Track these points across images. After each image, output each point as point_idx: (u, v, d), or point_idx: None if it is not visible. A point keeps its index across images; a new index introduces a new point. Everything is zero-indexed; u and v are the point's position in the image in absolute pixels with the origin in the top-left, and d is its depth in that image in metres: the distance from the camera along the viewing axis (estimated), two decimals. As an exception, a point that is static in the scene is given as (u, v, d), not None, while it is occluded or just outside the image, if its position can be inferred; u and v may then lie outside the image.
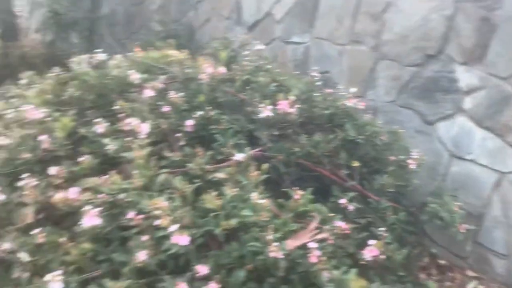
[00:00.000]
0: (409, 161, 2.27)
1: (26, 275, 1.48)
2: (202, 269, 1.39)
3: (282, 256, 1.41)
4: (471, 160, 2.75)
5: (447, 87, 2.87)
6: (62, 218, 1.70)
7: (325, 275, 1.43)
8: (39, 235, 1.55)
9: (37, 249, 1.53)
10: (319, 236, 1.51)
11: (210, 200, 1.49)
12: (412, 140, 2.99)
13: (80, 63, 2.44)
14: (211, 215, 1.48)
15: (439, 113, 2.91)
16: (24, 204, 1.75)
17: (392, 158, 2.30)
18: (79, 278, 1.44)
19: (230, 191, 1.53)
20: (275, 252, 1.41)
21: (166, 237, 1.43)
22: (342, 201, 1.91)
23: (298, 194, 1.66)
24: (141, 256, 1.43)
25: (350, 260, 1.61)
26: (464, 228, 2.13)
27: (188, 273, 1.39)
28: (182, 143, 1.92)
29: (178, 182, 1.61)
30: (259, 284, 1.43)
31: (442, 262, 2.79)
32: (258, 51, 2.47)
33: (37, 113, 2.04)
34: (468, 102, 2.77)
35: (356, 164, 2.13)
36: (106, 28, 7.00)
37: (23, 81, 2.57)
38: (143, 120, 1.89)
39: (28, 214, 1.70)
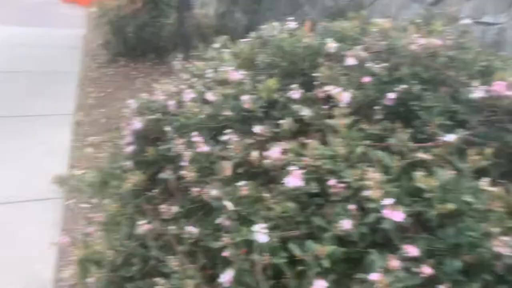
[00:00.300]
0: None
1: (230, 223, 1.56)
2: (412, 250, 1.30)
3: (509, 253, 1.25)
4: None
5: None
6: (257, 175, 1.75)
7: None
8: (243, 187, 1.61)
9: (240, 201, 1.60)
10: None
11: (423, 179, 1.38)
12: None
13: (272, 30, 2.49)
14: (423, 196, 1.37)
15: None
16: (224, 158, 1.85)
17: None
18: (280, 234, 1.46)
19: (445, 173, 1.40)
20: (500, 246, 1.25)
21: (375, 209, 1.36)
22: None
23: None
24: (346, 224, 1.39)
25: None
26: None
27: (397, 251, 1.31)
28: (379, 116, 1.83)
29: (384, 156, 1.53)
30: (469, 278, 1.29)
31: None
32: (463, 27, 2.23)
33: (237, 74, 2.14)
34: None
35: None
36: (270, 2, 7.20)
37: (216, 45, 2.73)
38: (343, 89, 1.84)
39: (228, 168, 1.78)
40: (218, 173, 1.79)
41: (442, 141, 1.63)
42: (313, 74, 1.96)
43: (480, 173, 1.52)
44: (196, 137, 1.90)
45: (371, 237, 1.45)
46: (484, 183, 1.38)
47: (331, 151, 1.59)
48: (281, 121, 1.82)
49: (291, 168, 1.54)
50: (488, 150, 1.48)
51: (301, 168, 1.56)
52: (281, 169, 1.63)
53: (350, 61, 1.88)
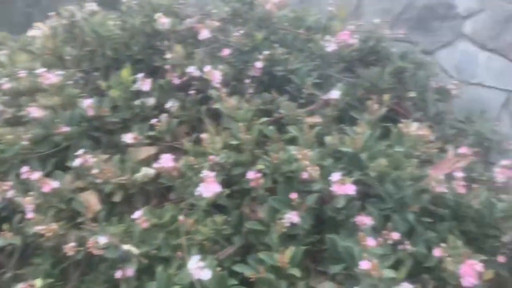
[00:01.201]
0: (450, 86, 2.22)
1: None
2: (367, 220, 1.18)
3: (447, 190, 1.26)
4: (477, 84, 2.80)
5: (445, 14, 2.87)
6: (147, 195, 1.36)
7: (474, 203, 1.32)
8: (138, 219, 1.20)
9: (145, 235, 1.19)
10: (459, 164, 1.38)
11: (348, 142, 1.27)
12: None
13: (73, 15, 1.95)
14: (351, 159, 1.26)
15: (438, 41, 2.91)
16: (84, 189, 1.37)
17: (434, 85, 2.23)
18: (216, 258, 1.15)
19: (362, 128, 1.32)
20: (438, 187, 1.25)
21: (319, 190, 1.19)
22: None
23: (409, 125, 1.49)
24: (293, 217, 1.17)
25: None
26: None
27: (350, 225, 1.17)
28: (251, 90, 1.63)
29: (295, 129, 1.36)
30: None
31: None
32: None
33: (53, 76, 1.58)
34: (468, 26, 2.79)
35: (412, 94, 2.02)
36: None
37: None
38: (200, 67, 1.56)
39: (94, 203, 1.33)
40: (84, 213, 1.30)
41: (327, 100, 1.55)
42: (164, 57, 1.60)
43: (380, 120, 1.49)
44: (28, 173, 1.33)
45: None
46: (402, 125, 1.36)
47: (236, 140, 1.32)
48: (154, 121, 1.42)
49: (204, 173, 1.20)
50: (386, 97, 1.46)
51: (210, 169, 1.24)
52: (181, 179, 1.28)
53: (204, 34, 1.59)
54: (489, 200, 1.30)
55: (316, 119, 1.53)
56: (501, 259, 1.30)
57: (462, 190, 1.33)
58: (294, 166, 1.25)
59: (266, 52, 1.66)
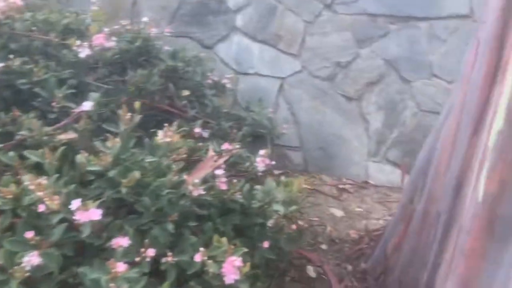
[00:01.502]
0: (225, 80, 2.30)
1: None
2: (123, 241, 1.10)
3: (204, 192, 1.26)
4: (255, 74, 2.99)
5: (217, 9, 2.97)
6: None
7: (238, 196, 1.37)
8: None
9: None
10: (220, 162, 1.40)
11: (95, 161, 1.16)
12: (198, 67, 3.04)
13: None
14: (105, 177, 1.16)
15: (216, 35, 3.01)
16: None
17: (209, 81, 2.28)
18: None
19: (113, 142, 1.22)
20: (194, 190, 1.24)
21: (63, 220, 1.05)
22: (197, 130, 1.80)
23: (170, 130, 1.47)
24: (34, 259, 1.02)
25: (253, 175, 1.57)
26: (284, 128, 2.37)
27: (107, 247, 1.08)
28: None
29: (33, 154, 1.18)
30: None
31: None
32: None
33: None
34: (239, 20, 2.95)
35: (186, 93, 2.02)
36: None
37: None
38: None
39: None
40: None
41: (80, 112, 1.41)
42: None
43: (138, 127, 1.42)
44: None
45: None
46: (159, 137, 1.30)
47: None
48: None
49: None
50: (137, 104, 1.38)
51: None
52: None
53: None
54: (248, 191, 1.37)
55: (70, 135, 1.38)
56: (265, 244, 1.38)
57: (224, 187, 1.36)
58: (34, 198, 1.09)
59: (0, 64, 1.43)
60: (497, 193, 1.10)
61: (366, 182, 2.98)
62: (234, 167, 1.61)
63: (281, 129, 2.37)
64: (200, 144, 1.65)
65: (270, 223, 1.43)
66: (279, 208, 1.35)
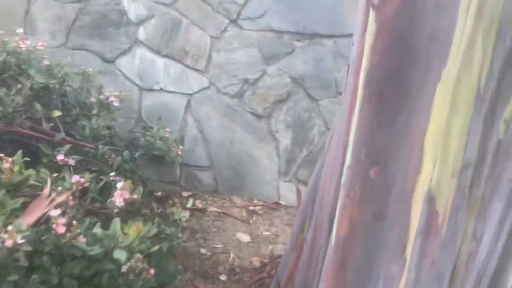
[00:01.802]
0: (111, 98, 2.10)
1: None
2: None
3: (23, 240, 1.06)
4: (160, 90, 2.81)
5: (118, 21, 2.77)
6: None
7: (81, 241, 1.18)
8: None
9: None
10: (58, 201, 1.21)
11: None
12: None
13: None
14: None
15: (117, 48, 2.80)
16: None
17: (93, 99, 2.07)
18: None
19: None
20: (11, 238, 1.04)
21: None
22: (60, 157, 1.59)
23: (8, 161, 1.26)
24: None
25: (102, 215, 1.38)
26: (180, 150, 2.20)
27: None
28: None
29: None
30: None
31: (158, 194, 2.86)
32: None
33: None
34: (142, 33, 2.76)
35: (57, 114, 1.80)
36: None
37: None
38: None
39: None
40: None
41: None
42: None
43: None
44: None
45: None
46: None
47: None
48: None
49: None
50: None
51: None
52: None
53: None
54: (92, 235, 1.18)
55: None
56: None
57: (61, 230, 1.17)
58: None
59: None
60: (347, 235, 0.99)
61: (277, 203, 2.87)
62: (93, 201, 1.42)
63: (177, 151, 2.20)
64: (55, 175, 1.45)
65: (124, 268, 1.25)
66: (121, 255, 1.17)
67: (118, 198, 1.35)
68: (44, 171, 1.43)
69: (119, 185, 1.39)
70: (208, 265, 2.35)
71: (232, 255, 2.43)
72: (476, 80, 0.91)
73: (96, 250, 1.15)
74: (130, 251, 1.19)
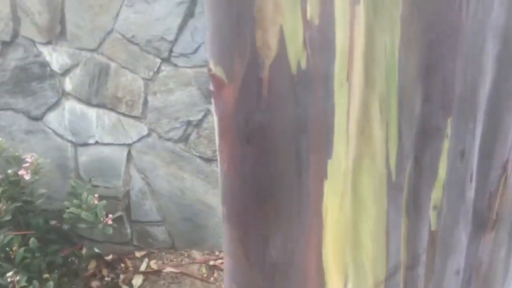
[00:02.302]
0: (21, 172, 1.82)
1: None
2: None
3: None
4: (96, 143, 2.54)
5: (41, 73, 2.50)
6: None
7: None
8: None
9: None
10: None
11: None
12: (25, 145, 2.53)
13: None
14: None
15: (43, 104, 2.53)
16: None
17: (-1, 177, 1.79)
18: None
19: None
20: None
21: None
22: None
23: None
24: None
25: None
26: (110, 219, 1.91)
27: None
28: None
29: None
30: None
31: (109, 258, 2.56)
32: None
33: None
34: (68, 84, 2.49)
35: None
36: None
37: None
38: None
39: None
40: None
41: None
42: None
43: None
44: None
45: None
46: None
47: None
48: None
49: None
50: None
51: None
52: None
53: None
54: None
55: None
56: None
57: None
58: None
59: None
60: None
61: (241, 253, 2.58)
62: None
63: (107, 221, 1.91)
64: None
65: None
66: None
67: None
68: None
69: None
70: None
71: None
72: (383, 166, 0.64)
73: None
74: None
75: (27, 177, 1.82)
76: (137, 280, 2.40)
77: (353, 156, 0.63)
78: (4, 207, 1.64)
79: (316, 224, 0.63)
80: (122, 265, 2.54)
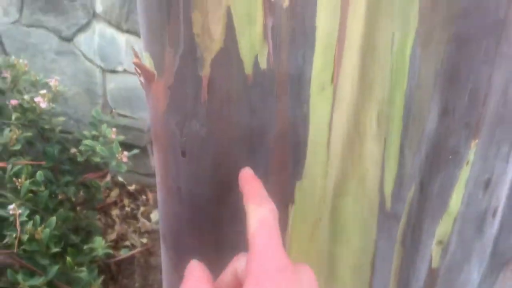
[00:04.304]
0: (37, 99, 1.76)
1: None
2: None
3: None
4: (124, 71, 2.44)
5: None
6: None
7: None
8: None
9: None
10: None
11: None
12: (56, 66, 2.48)
13: None
14: None
15: (74, 24, 2.43)
16: None
17: (14, 102, 1.74)
18: None
19: None
20: None
21: None
22: None
23: None
24: None
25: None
26: (125, 156, 1.85)
27: None
28: None
29: None
30: None
31: (132, 187, 2.57)
32: None
33: None
34: (99, 5, 2.36)
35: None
36: None
37: None
38: None
39: None
40: None
41: None
42: None
43: None
44: None
45: None
46: None
47: None
48: None
49: None
50: None
51: None
52: None
53: None
54: None
55: None
56: None
57: None
58: None
59: None
60: None
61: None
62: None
63: (122, 158, 1.85)
64: None
65: None
66: None
67: None
68: None
69: None
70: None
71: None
72: (374, 191, 0.49)
73: None
74: None
75: (43, 105, 1.76)
76: (156, 215, 2.41)
77: (334, 178, 0.48)
78: (15, 136, 1.60)
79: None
80: (144, 197, 2.55)
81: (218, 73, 0.38)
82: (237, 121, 0.41)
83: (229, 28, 0.36)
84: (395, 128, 0.45)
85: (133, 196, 2.53)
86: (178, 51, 0.38)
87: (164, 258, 0.53)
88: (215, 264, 0.49)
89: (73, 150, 1.96)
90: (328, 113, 0.43)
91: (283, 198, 0.48)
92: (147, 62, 0.41)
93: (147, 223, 2.32)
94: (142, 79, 0.42)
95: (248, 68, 0.38)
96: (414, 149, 0.47)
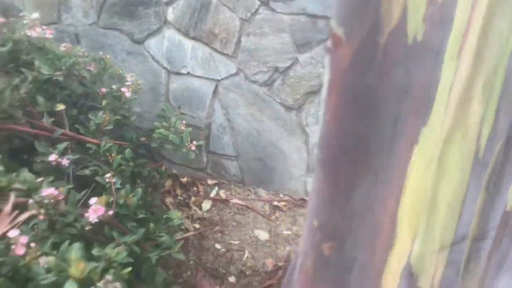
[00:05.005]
0: (123, 89, 2.02)
1: None
2: None
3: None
4: (187, 74, 2.70)
5: (147, 0, 2.66)
6: None
7: (42, 262, 1.12)
8: None
9: None
10: (22, 217, 1.15)
11: None
12: (125, 64, 2.76)
13: None
14: None
15: (146, 29, 2.71)
16: None
17: (104, 90, 2.00)
18: None
19: None
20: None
21: None
22: (52, 157, 1.54)
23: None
24: None
25: (75, 229, 1.31)
26: (194, 145, 2.08)
27: None
28: None
29: None
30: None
31: (184, 180, 2.80)
32: None
33: None
34: (171, 13, 2.63)
35: (61, 107, 1.75)
36: None
37: None
38: None
39: None
40: None
41: None
42: None
43: None
44: None
45: None
46: None
47: None
48: None
49: None
50: None
51: None
52: None
53: None
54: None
55: None
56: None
57: (20, 251, 1.12)
58: None
59: None
60: None
61: (303, 200, 2.70)
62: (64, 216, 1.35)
63: (191, 147, 2.09)
64: (40, 179, 1.39)
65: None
66: (72, 287, 1.09)
67: (92, 214, 1.28)
68: (27, 176, 1.38)
69: (92, 200, 1.31)
70: (220, 262, 2.28)
71: (247, 253, 2.33)
72: (473, 142, 0.69)
73: (49, 279, 1.09)
74: (85, 283, 1.11)
75: (127, 94, 2.01)
76: (206, 204, 2.62)
77: (447, 128, 0.68)
78: (108, 118, 1.84)
79: (399, 183, 0.71)
80: (195, 188, 2.77)
81: (391, 41, 0.60)
82: (396, 77, 0.63)
83: (404, 11, 0.59)
84: (494, 95, 0.66)
85: (185, 187, 2.75)
86: (367, 24, 0.60)
87: (317, 179, 0.74)
88: (360, 187, 0.70)
89: (143, 138, 2.21)
90: (451, 79, 0.65)
91: (411, 139, 0.69)
92: (340, 33, 0.63)
93: (199, 211, 2.54)
94: (331, 45, 0.65)
95: (410, 40, 0.60)
96: (507, 112, 0.68)
